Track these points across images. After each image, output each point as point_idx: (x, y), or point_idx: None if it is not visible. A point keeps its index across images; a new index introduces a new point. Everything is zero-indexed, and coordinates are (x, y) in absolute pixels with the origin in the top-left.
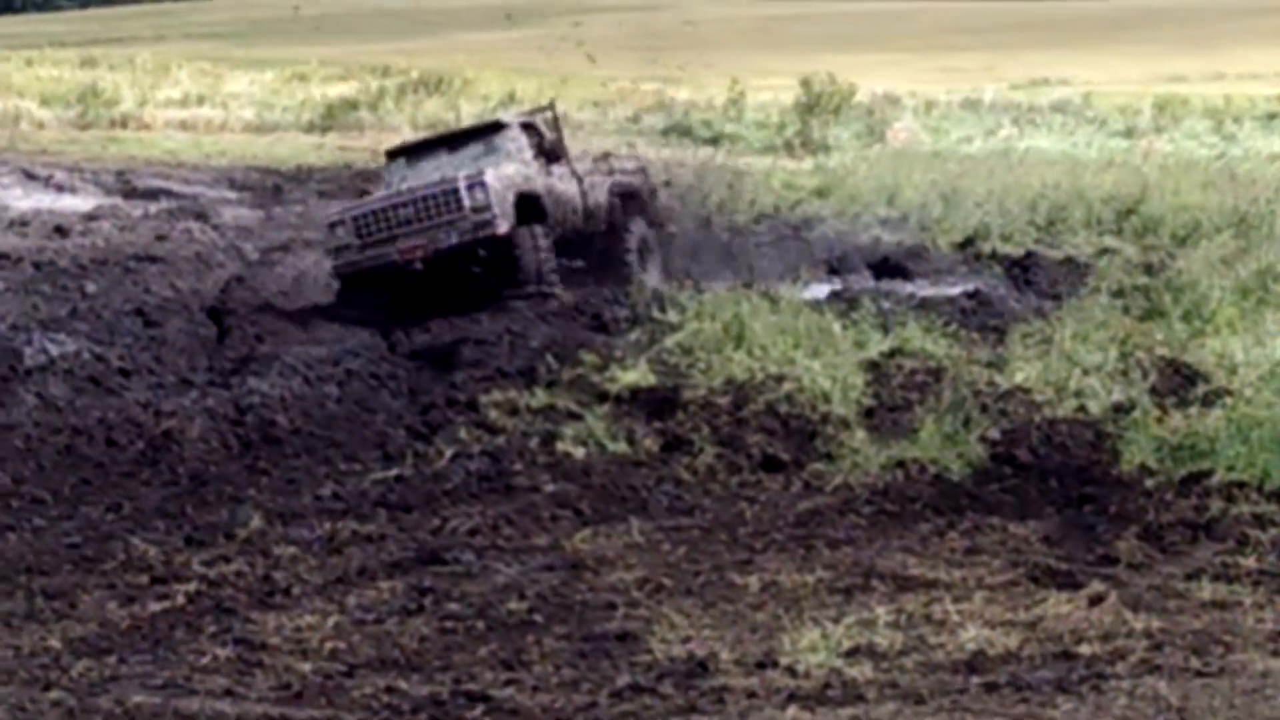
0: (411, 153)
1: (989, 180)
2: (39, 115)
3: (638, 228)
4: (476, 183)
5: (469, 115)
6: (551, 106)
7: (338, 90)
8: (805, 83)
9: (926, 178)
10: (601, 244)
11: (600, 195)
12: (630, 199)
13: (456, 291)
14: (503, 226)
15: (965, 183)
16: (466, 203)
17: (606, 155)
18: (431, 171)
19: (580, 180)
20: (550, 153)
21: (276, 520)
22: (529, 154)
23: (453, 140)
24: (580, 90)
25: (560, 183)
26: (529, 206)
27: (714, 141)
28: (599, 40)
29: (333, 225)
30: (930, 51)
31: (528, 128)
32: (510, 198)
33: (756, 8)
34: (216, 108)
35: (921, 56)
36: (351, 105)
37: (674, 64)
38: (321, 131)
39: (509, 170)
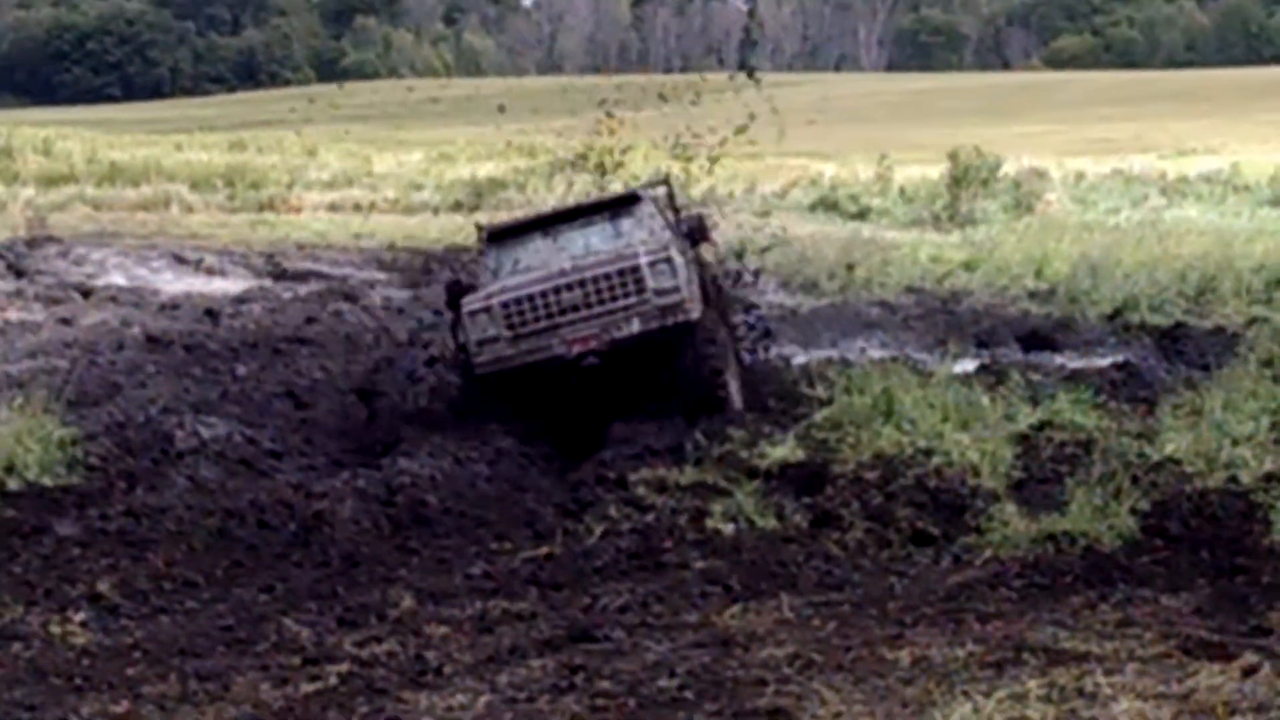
0: (521, 233)
1: (1137, 251)
2: (188, 199)
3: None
4: (662, 259)
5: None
6: (667, 181)
7: (485, 170)
8: (953, 156)
9: (1074, 249)
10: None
11: (712, 287)
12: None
13: (619, 393)
14: (695, 312)
15: (1113, 254)
16: (650, 283)
17: None
18: (556, 254)
19: (703, 269)
20: (694, 233)
21: (428, 600)
22: (670, 233)
23: (575, 216)
24: (729, 166)
25: (701, 271)
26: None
27: (861, 216)
28: (745, 116)
29: (474, 314)
30: (1078, 123)
31: (656, 203)
32: (695, 278)
33: (903, 82)
34: (364, 189)
35: (1069, 127)
36: (499, 185)
37: (822, 139)
38: (469, 211)
39: (680, 246)
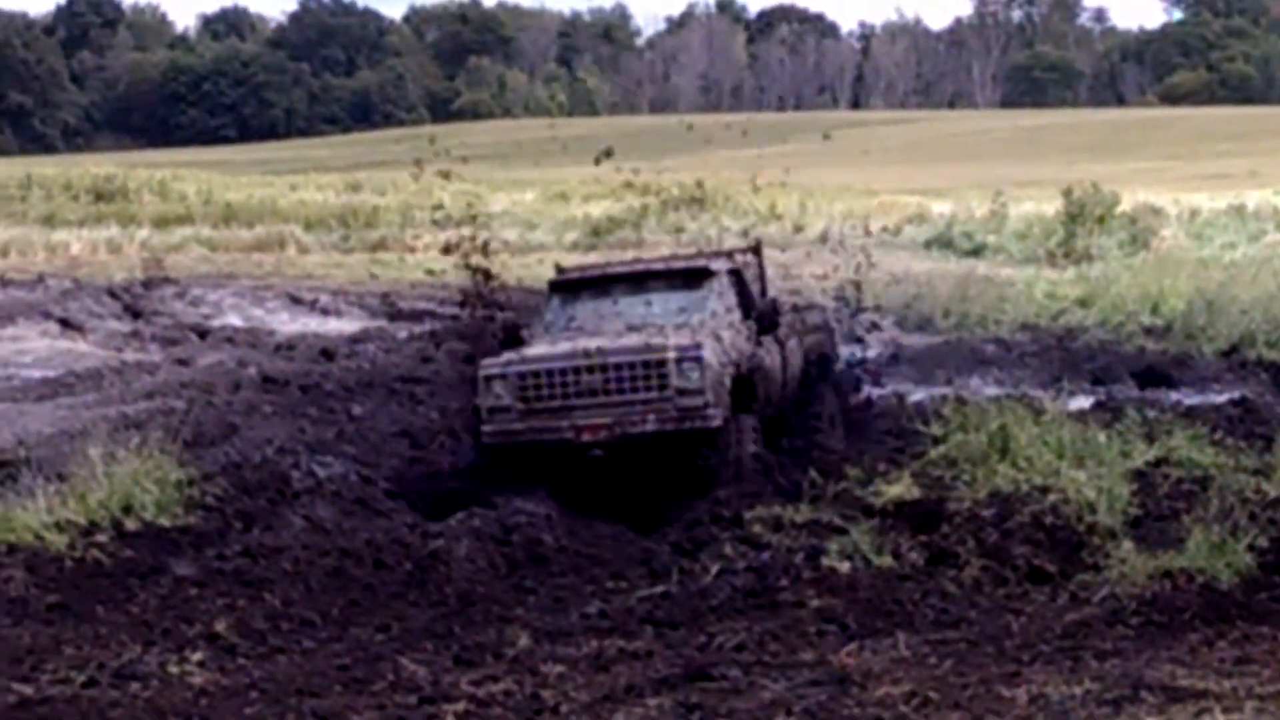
0: (585, 288)
1: (1254, 287)
2: (303, 239)
3: (828, 401)
4: (691, 357)
5: (732, 233)
6: (757, 249)
7: (600, 209)
8: (1067, 192)
9: (1190, 285)
10: (784, 414)
11: (797, 364)
12: (817, 362)
13: (633, 483)
14: (717, 419)
15: (1230, 290)
16: (674, 381)
17: (794, 306)
18: (612, 319)
19: (783, 348)
20: (764, 318)
21: (544, 639)
22: (738, 315)
23: (641, 280)
24: (840, 203)
25: (768, 356)
26: (739, 389)
27: (975, 252)
28: (857, 154)
29: (489, 379)
30: (1193, 158)
31: (734, 276)
32: (727, 381)
33: (1017, 118)
34: (479, 229)
35: (1184, 163)
36: (615, 223)
37: (935, 176)
38: (584, 250)
39: (725, 341)
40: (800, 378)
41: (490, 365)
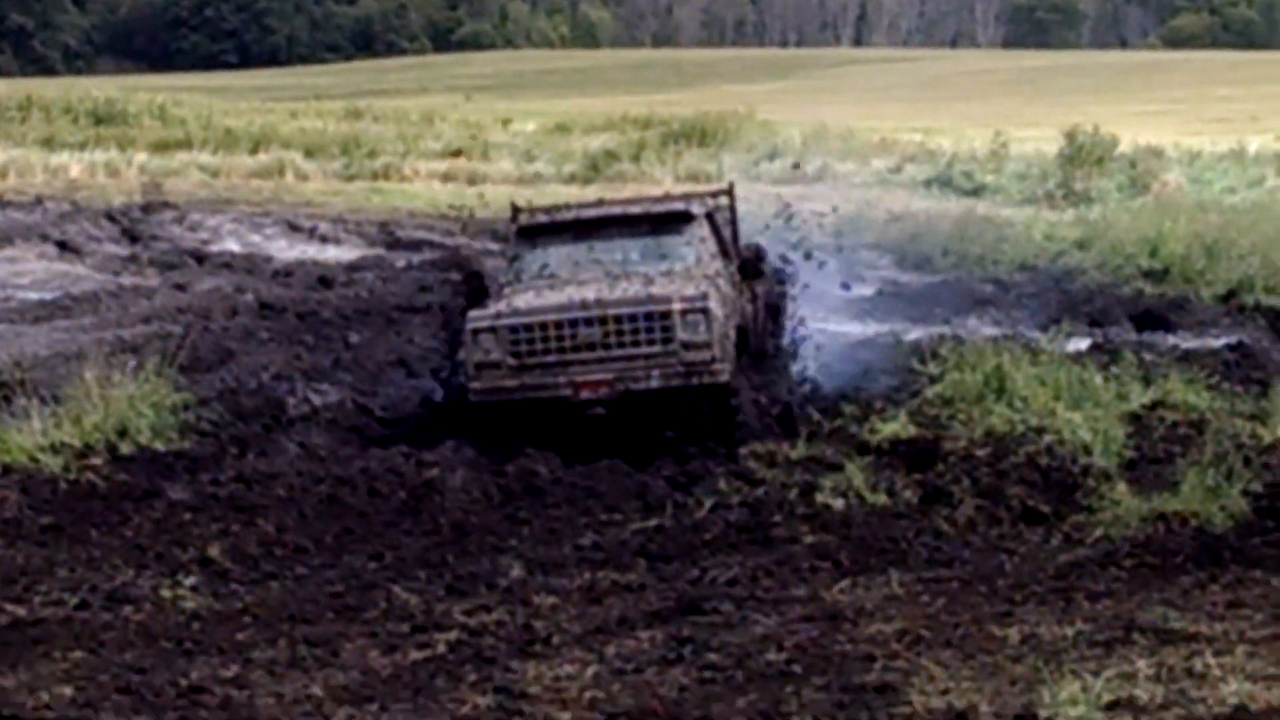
0: (557, 232)
1: (1253, 232)
2: (303, 167)
3: (784, 352)
4: (697, 308)
5: (730, 168)
6: (730, 191)
7: (599, 141)
8: (1069, 134)
9: (1189, 229)
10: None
11: (763, 312)
12: (771, 310)
13: (633, 442)
14: (724, 374)
15: (1229, 234)
16: (679, 333)
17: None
18: (589, 265)
19: (755, 297)
20: (748, 265)
21: (537, 570)
22: (720, 261)
23: (618, 224)
24: (841, 142)
25: (749, 304)
26: (738, 341)
27: (975, 193)
28: (861, 91)
29: (477, 333)
30: (1195, 102)
31: (710, 219)
32: (731, 333)
33: (1019, 59)
34: (478, 159)
35: (1186, 107)
36: (613, 156)
37: (936, 115)
38: (583, 183)
39: (722, 290)
40: (763, 328)
41: (478, 318)
